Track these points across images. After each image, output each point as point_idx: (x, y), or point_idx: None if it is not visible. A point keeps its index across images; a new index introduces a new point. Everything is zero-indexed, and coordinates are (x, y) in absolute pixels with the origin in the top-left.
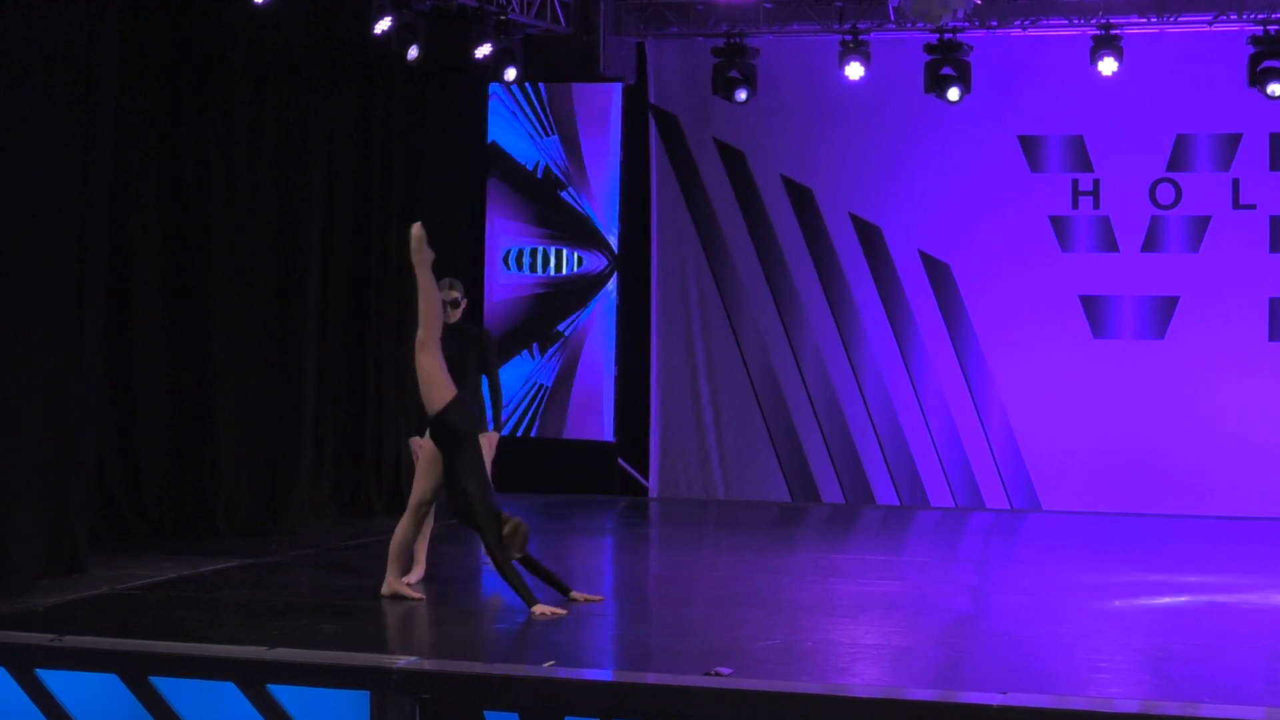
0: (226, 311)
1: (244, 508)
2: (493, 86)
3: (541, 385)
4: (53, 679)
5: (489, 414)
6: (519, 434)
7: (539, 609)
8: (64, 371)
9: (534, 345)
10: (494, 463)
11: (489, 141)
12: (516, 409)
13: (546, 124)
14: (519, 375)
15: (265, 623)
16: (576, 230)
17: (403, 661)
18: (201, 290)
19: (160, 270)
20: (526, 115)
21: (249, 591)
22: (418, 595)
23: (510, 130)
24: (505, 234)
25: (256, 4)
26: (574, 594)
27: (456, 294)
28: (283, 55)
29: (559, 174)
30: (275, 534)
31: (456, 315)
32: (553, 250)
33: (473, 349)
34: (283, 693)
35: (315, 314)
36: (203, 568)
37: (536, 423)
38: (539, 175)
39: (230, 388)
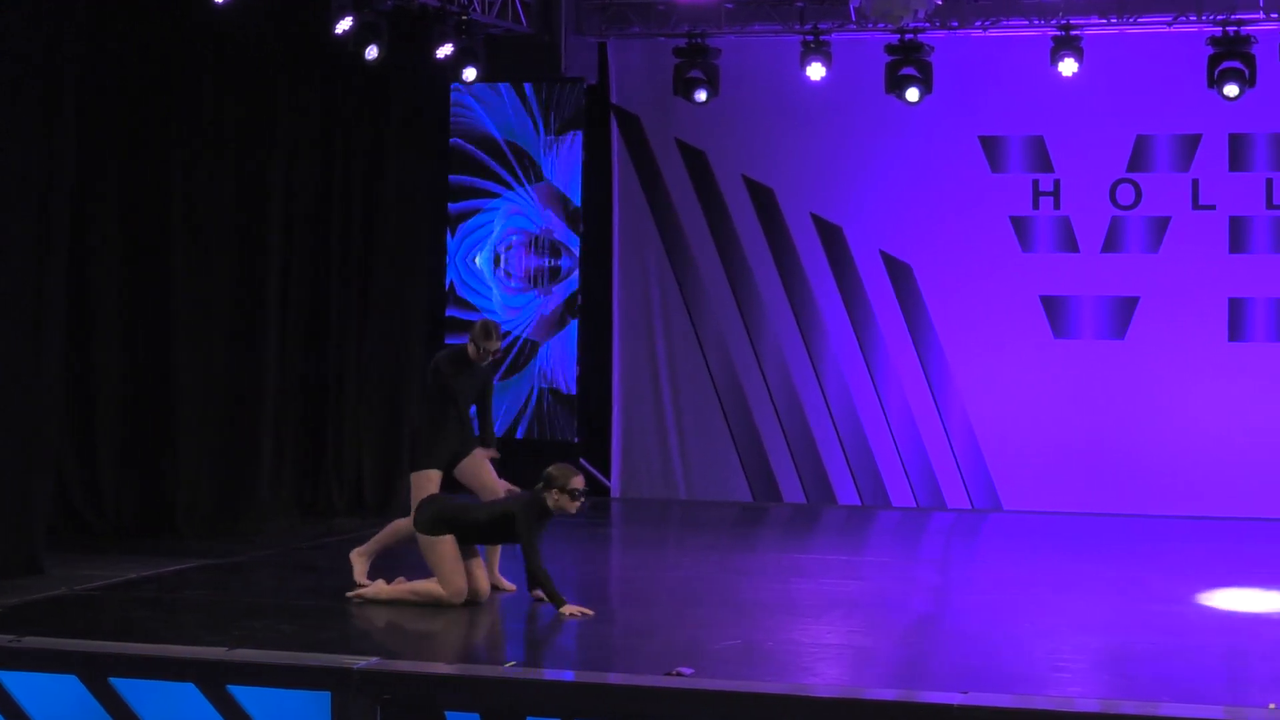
0: (187, 312)
1: (205, 508)
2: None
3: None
4: (11, 680)
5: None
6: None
7: (568, 609)
8: (23, 372)
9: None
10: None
11: (453, 138)
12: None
13: (537, 121)
14: None
15: (226, 623)
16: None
17: (363, 662)
18: (162, 290)
19: (121, 269)
20: (509, 107)
21: (209, 592)
22: (364, 583)
23: (486, 121)
24: (469, 229)
25: (217, 4)
26: (546, 601)
27: (498, 345)
28: (244, 56)
29: (531, 168)
30: (236, 535)
31: (488, 362)
32: (521, 246)
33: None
34: (243, 693)
35: (276, 315)
36: (163, 568)
37: (496, 422)
38: (508, 164)
39: (191, 388)
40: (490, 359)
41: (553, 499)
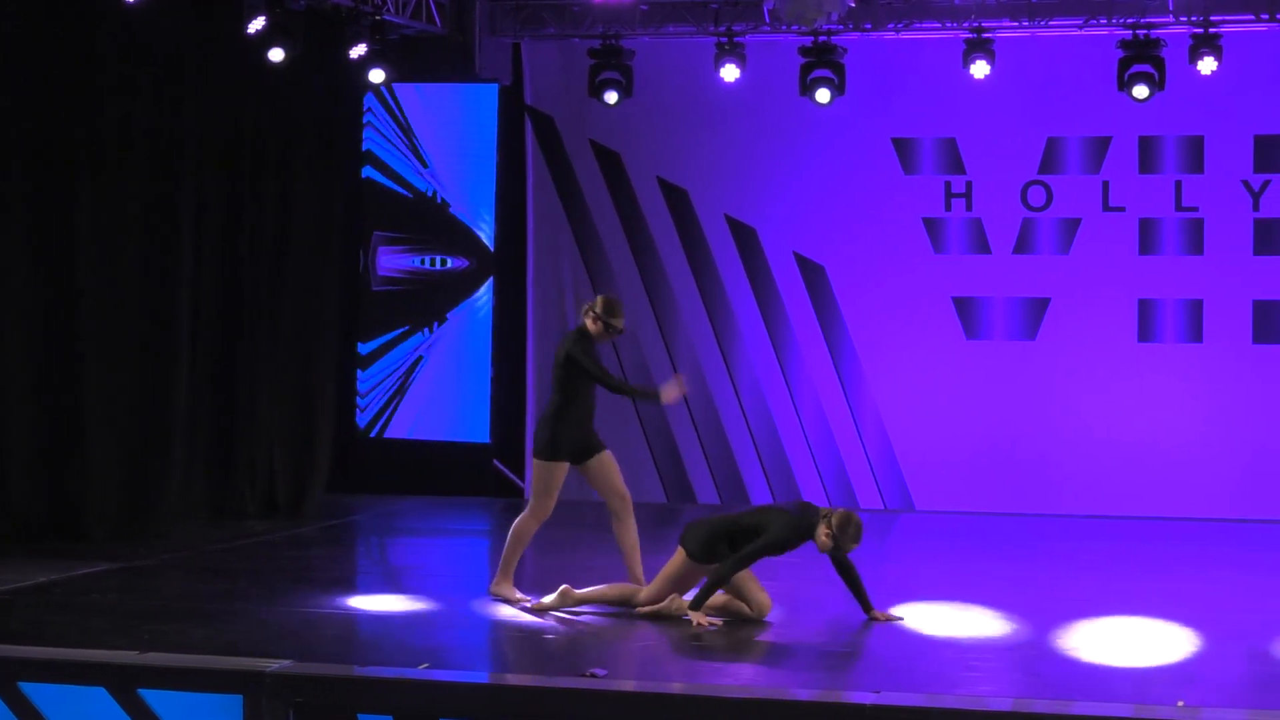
0: (95, 312)
1: (114, 511)
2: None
3: (411, 381)
4: None
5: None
6: (375, 433)
7: (695, 617)
8: None
9: (408, 340)
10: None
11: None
12: (385, 406)
13: (418, 127)
14: (387, 367)
15: (136, 627)
16: (448, 234)
17: (276, 665)
18: (69, 290)
19: (27, 271)
20: (397, 119)
21: (119, 596)
22: (523, 598)
23: (383, 135)
24: (381, 236)
25: (128, 2)
26: (875, 613)
27: (623, 322)
28: (153, 54)
29: (433, 180)
30: (146, 537)
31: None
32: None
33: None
34: (154, 697)
35: (187, 315)
36: (72, 572)
37: (409, 421)
38: (414, 182)
39: (100, 389)
40: (615, 337)
41: (822, 534)
